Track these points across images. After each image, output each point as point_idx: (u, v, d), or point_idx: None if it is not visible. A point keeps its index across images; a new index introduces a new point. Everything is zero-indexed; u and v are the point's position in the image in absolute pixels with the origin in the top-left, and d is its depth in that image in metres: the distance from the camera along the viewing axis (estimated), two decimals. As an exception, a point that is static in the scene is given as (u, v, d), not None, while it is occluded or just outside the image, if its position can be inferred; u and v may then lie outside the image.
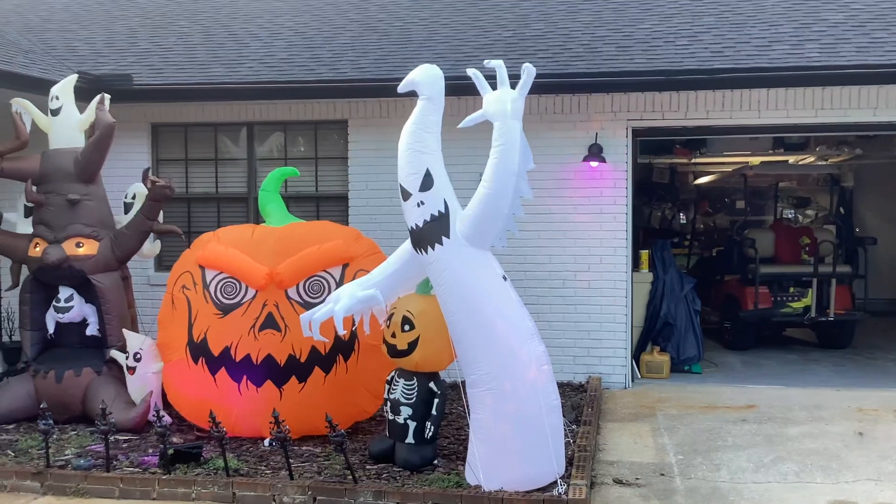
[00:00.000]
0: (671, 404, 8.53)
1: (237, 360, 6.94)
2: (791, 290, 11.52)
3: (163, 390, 7.45)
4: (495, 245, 5.89)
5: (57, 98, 7.77)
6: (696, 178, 15.22)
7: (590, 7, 10.72)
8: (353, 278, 6.67)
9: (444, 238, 5.78)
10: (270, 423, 6.02)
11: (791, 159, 12.80)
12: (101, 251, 7.69)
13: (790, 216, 15.03)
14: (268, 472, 6.30)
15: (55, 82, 7.94)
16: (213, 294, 7.11)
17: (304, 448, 6.84)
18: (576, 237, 9.26)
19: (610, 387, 9.20)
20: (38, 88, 8.28)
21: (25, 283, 7.84)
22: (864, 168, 14.20)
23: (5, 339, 9.66)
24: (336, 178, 9.93)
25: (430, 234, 5.82)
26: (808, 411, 8.14)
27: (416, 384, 6.27)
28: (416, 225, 5.89)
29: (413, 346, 6.16)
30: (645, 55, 9.20)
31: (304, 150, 10.17)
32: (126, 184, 8.54)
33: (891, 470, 6.46)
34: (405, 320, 6.18)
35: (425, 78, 5.89)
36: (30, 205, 7.88)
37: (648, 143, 11.49)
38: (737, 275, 11.87)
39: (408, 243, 6.18)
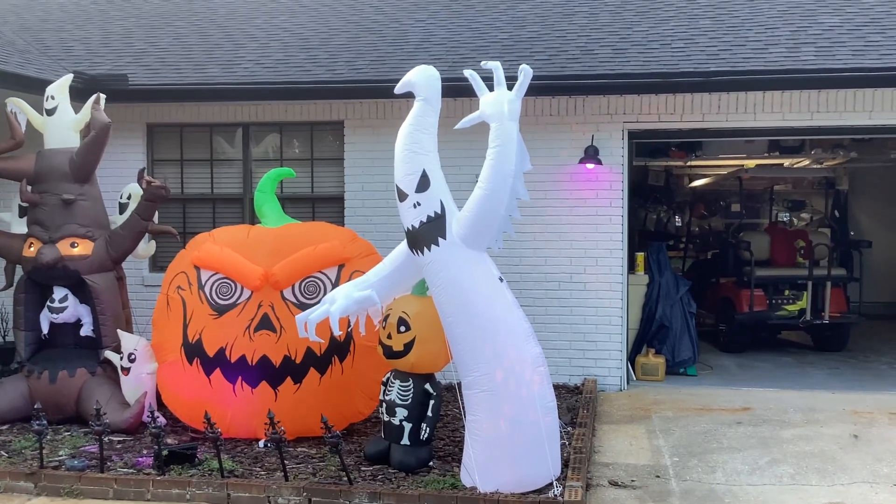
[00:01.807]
0: (666, 406, 8.53)
1: (232, 360, 6.92)
2: (786, 292, 11.56)
3: (157, 391, 7.43)
4: (491, 246, 5.88)
5: (52, 98, 7.77)
6: (691, 181, 15.22)
7: (586, 9, 10.73)
8: (349, 279, 6.66)
9: (440, 239, 5.78)
10: (265, 424, 6.02)
11: (786, 162, 12.81)
12: (95, 251, 7.67)
13: (785, 219, 15.03)
14: (263, 473, 6.28)
15: (51, 82, 7.93)
16: (208, 295, 7.10)
17: (299, 449, 6.83)
18: (572, 239, 9.25)
19: (605, 389, 9.20)
20: (34, 88, 8.26)
21: (19, 283, 7.82)
22: (859, 171, 14.23)
23: (-1, 339, 9.64)
24: (332, 179, 9.91)
25: (427, 235, 5.81)
26: (804, 414, 8.15)
27: (411, 385, 6.27)
28: (412, 226, 5.89)
29: (409, 347, 6.16)
30: (641, 57, 9.21)
31: (299, 151, 10.15)
32: (121, 184, 8.56)
33: (886, 472, 6.46)
34: (401, 321, 6.17)
35: (422, 79, 5.88)
36: (24, 205, 7.85)
37: (644, 145, 11.49)
38: (732, 277, 11.88)
39: (404, 244, 6.18)
